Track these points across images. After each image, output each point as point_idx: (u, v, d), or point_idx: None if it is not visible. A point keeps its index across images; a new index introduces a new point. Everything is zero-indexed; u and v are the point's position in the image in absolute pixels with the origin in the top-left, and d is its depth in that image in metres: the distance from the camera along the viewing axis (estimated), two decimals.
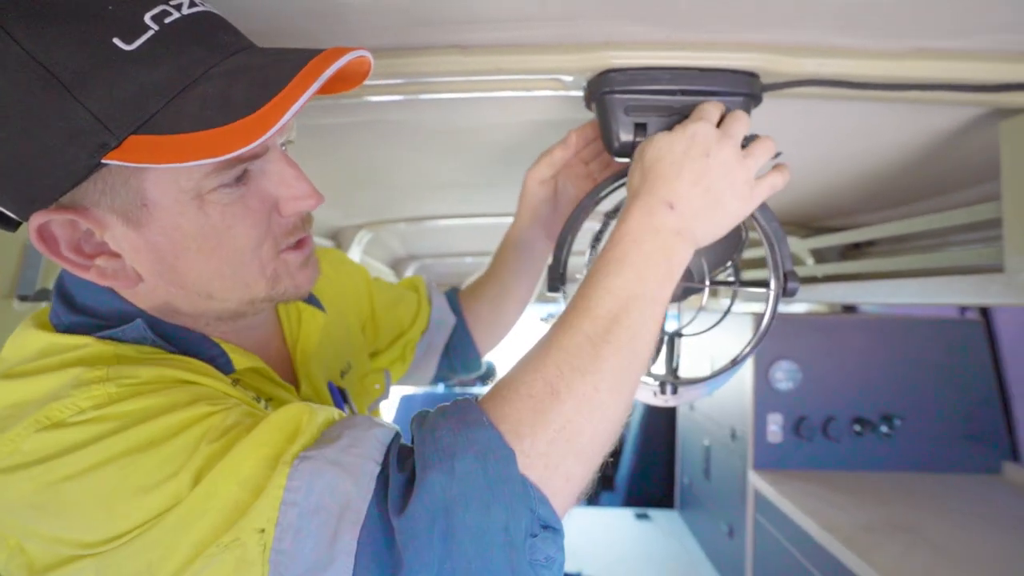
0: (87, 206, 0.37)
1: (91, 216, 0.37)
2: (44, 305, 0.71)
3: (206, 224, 0.39)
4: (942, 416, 1.37)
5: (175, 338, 0.44)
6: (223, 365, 0.46)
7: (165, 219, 0.38)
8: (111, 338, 0.41)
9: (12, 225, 0.39)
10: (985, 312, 1.42)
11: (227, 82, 0.35)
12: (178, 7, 0.35)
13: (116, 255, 0.39)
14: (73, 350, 0.39)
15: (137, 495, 0.33)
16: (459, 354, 0.82)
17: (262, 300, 0.44)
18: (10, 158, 0.34)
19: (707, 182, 0.47)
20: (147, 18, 0.34)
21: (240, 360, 0.47)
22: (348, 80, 0.42)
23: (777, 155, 0.56)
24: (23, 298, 0.66)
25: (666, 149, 0.48)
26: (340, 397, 0.63)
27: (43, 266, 0.68)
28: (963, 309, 1.51)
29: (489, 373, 3.16)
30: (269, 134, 0.33)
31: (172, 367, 0.40)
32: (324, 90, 0.41)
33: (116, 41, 0.33)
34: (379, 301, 0.76)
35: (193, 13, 0.36)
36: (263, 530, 0.32)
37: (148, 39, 0.33)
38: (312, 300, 0.60)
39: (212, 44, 0.36)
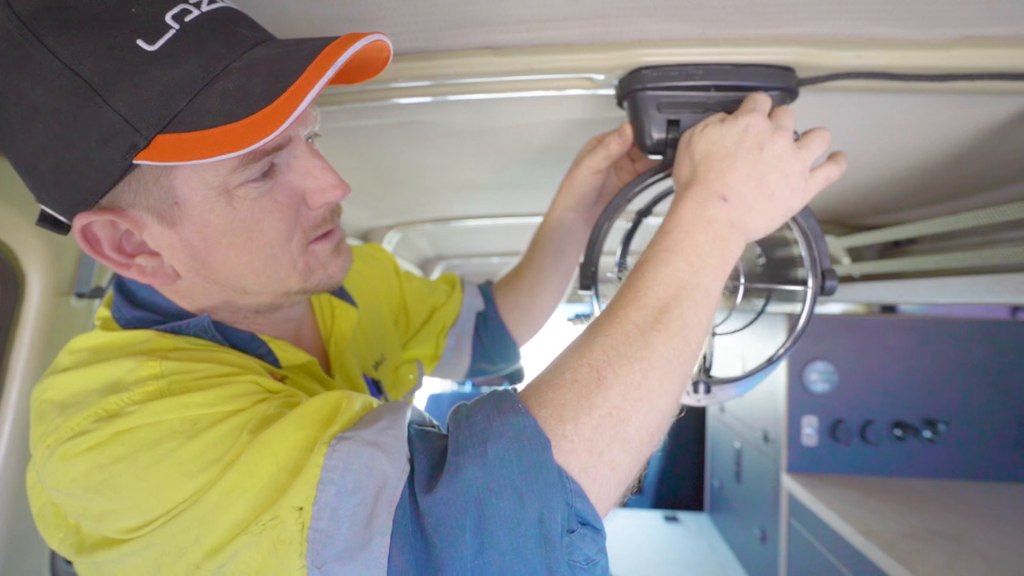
0: (124, 207, 0.38)
1: (128, 216, 0.38)
2: (98, 302, 0.75)
3: (235, 219, 0.39)
4: (991, 422, 1.31)
5: (228, 334, 0.46)
6: (271, 362, 0.47)
7: (196, 216, 0.38)
8: (172, 331, 0.43)
9: (63, 228, 0.41)
10: None
11: (246, 75, 0.35)
12: (197, 4, 0.36)
13: (155, 253, 0.41)
14: (135, 344, 0.41)
15: (181, 480, 0.34)
16: (493, 342, 0.82)
17: (296, 292, 0.45)
18: (54, 164, 0.35)
19: (760, 175, 0.47)
20: (168, 17, 0.34)
21: (286, 357, 0.48)
22: (369, 68, 0.41)
23: None
24: (80, 295, 0.70)
25: (719, 141, 0.48)
26: (375, 388, 0.64)
27: (98, 265, 0.71)
28: (1015, 309, 1.44)
29: (517, 376, 3.15)
30: (287, 123, 0.33)
31: (224, 360, 0.42)
32: (346, 79, 0.42)
33: (140, 43, 0.33)
34: (409, 291, 0.77)
35: (212, 10, 0.36)
36: (301, 508, 0.33)
37: (169, 38, 0.34)
38: (345, 296, 0.61)
39: (231, 40, 0.36)
